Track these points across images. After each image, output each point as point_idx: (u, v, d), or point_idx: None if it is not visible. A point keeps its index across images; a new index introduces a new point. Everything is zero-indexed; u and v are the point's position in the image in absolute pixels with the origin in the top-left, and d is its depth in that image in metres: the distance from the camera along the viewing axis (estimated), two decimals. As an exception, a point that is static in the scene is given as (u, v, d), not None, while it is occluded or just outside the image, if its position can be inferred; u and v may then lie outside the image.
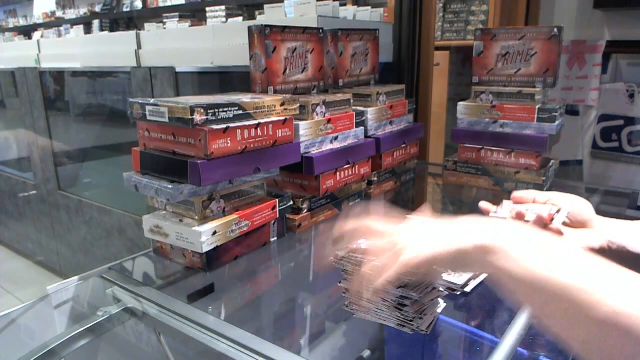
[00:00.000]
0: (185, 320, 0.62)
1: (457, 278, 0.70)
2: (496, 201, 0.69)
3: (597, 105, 1.55)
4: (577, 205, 0.63)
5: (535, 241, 0.38)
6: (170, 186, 0.71)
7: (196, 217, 0.75)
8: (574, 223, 0.63)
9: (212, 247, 0.74)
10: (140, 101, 0.74)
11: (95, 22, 3.69)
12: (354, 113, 1.03)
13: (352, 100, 1.04)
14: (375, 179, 1.13)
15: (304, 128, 0.90)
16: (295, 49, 0.96)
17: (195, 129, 0.69)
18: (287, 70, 0.95)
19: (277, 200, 0.86)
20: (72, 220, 2.45)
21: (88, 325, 0.65)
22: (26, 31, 4.07)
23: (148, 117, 0.73)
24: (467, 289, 0.69)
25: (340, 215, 1.02)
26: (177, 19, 2.77)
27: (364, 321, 0.59)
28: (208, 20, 2.54)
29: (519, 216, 0.62)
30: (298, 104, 0.87)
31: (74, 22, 3.65)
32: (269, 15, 1.35)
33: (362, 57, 1.18)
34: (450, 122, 2.02)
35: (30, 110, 2.50)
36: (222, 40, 1.46)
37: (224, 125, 0.72)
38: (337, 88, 1.13)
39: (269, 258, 0.85)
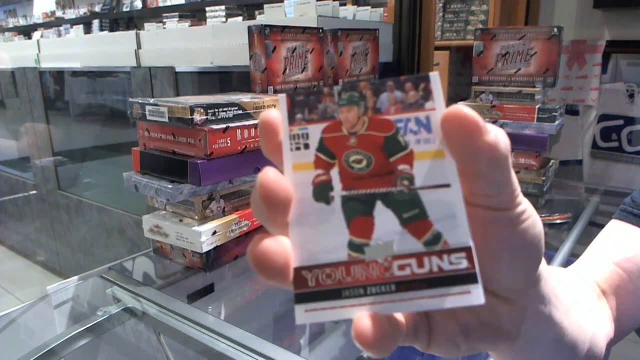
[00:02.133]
0: (185, 320, 0.62)
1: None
2: None
3: (597, 105, 1.55)
4: None
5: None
6: (170, 186, 0.71)
7: (196, 217, 0.74)
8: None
9: (212, 247, 0.74)
10: (140, 101, 0.74)
11: (95, 22, 3.70)
12: (354, 113, 1.03)
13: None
14: (375, 179, 1.12)
15: (304, 128, 0.90)
16: (295, 49, 0.96)
17: (195, 129, 0.69)
18: (287, 70, 0.95)
19: (277, 200, 0.85)
20: (72, 220, 2.45)
21: (88, 325, 0.65)
22: (26, 31, 4.07)
23: (148, 117, 0.73)
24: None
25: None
26: (177, 19, 2.77)
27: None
28: (208, 20, 2.54)
29: None
30: (298, 104, 0.87)
31: (73, 22, 3.65)
32: (268, 15, 1.35)
33: (362, 57, 1.18)
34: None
35: (30, 110, 2.50)
36: (222, 40, 1.46)
37: (224, 125, 0.72)
38: (337, 88, 1.13)
39: (269, 258, 0.85)
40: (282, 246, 0.19)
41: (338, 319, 0.19)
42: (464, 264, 0.19)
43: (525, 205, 0.21)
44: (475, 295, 0.18)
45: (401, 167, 0.19)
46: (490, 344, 0.23)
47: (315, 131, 0.20)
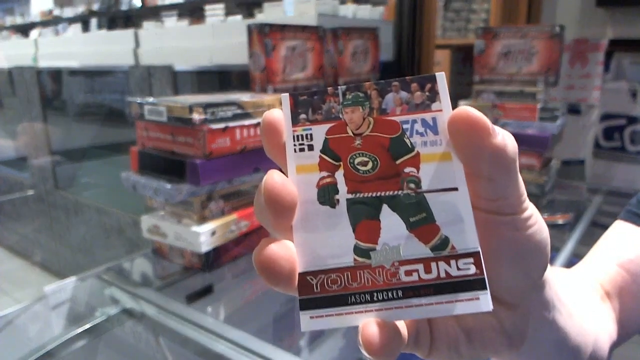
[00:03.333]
0: (184, 321, 0.62)
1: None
2: None
3: (599, 104, 1.54)
4: None
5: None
6: (168, 186, 0.70)
7: (195, 218, 0.74)
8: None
9: (211, 247, 0.73)
10: (138, 100, 0.73)
11: (93, 21, 3.68)
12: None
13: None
14: (376, 178, 1.12)
15: (304, 127, 0.89)
16: (295, 47, 0.95)
17: (194, 129, 0.69)
18: (287, 69, 0.95)
19: (277, 200, 0.85)
20: (71, 221, 2.44)
21: (86, 327, 0.64)
22: (24, 30, 4.06)
23: (146, 117, 0.72)
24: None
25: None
26: (175, 17, 2.76)
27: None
28: (207, 18, 2.53)
29: None
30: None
31: (71, 21, 3.64)
32: (268, 14, 1.35)
33: (363, 56, 1.17)
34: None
35: (28, 109, 2.49)
36: (221, 39, 1.45)
37: (223, 125, 0.71)
38: (338, 87, 1.12)
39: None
40: (288, 251, 0.18)
41: (344, 325, 0.18)
42: (472, 269, 0.18)
43: (531, 210, 0.20)
44: (484, 302, 0.18)
45: (407, 169, 0.19)
46: (493, 351, 0.23)
47: (319, 132, 0.19)
